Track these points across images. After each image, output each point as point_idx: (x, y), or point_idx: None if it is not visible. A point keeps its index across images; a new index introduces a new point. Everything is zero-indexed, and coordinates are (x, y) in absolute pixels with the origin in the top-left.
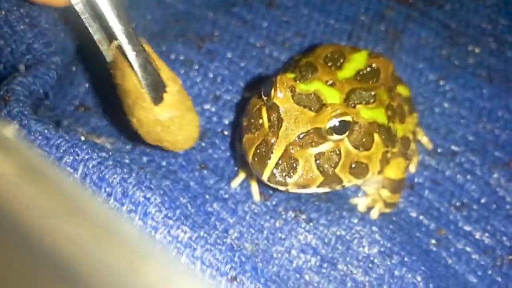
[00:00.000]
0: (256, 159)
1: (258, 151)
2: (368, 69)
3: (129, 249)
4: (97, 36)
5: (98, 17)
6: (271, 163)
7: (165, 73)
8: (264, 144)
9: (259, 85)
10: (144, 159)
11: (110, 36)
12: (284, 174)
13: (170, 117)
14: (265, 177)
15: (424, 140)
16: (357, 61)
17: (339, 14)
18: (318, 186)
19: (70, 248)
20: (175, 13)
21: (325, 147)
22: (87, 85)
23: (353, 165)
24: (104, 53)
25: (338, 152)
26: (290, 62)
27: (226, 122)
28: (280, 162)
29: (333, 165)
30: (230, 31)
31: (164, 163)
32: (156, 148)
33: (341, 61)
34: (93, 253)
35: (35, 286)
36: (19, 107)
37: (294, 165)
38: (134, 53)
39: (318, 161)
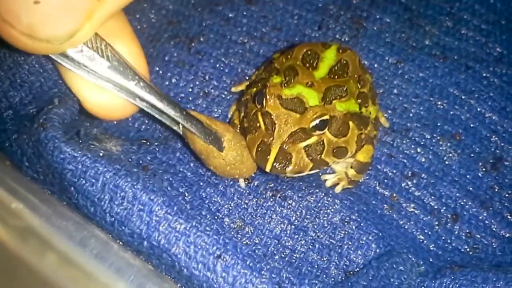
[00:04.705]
0: (259, 155)
1: (260, 149)
2: (339, 65)
3: None
4: (167, 122)
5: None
6: (271, 158)
7: (218, 127)
8: (263, 143)
9: (246, 84)
10: (148, 157)
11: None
12: (282, 165)
13: (233, 157)
14: (268, 169)
15: (383, 119)
16: (329, 58)
17: (311, 4)
18: (309, 170)
19: None
20: (167, 14)
21: (311, 140)
22: None
23: (335, 150)
24: (176, 130)
25: (322, 143)
26: (270, 59)
27: (216, 115)
28: (278, 157)
29: (319, 153)
30: (215, 31)
31: (164, 159)
32: (157, 146)
33: (316, 61)
34: None
35: None
36: (54, 132)
37: (289, 157)
38: (194, 127)
39: (307, 152)
